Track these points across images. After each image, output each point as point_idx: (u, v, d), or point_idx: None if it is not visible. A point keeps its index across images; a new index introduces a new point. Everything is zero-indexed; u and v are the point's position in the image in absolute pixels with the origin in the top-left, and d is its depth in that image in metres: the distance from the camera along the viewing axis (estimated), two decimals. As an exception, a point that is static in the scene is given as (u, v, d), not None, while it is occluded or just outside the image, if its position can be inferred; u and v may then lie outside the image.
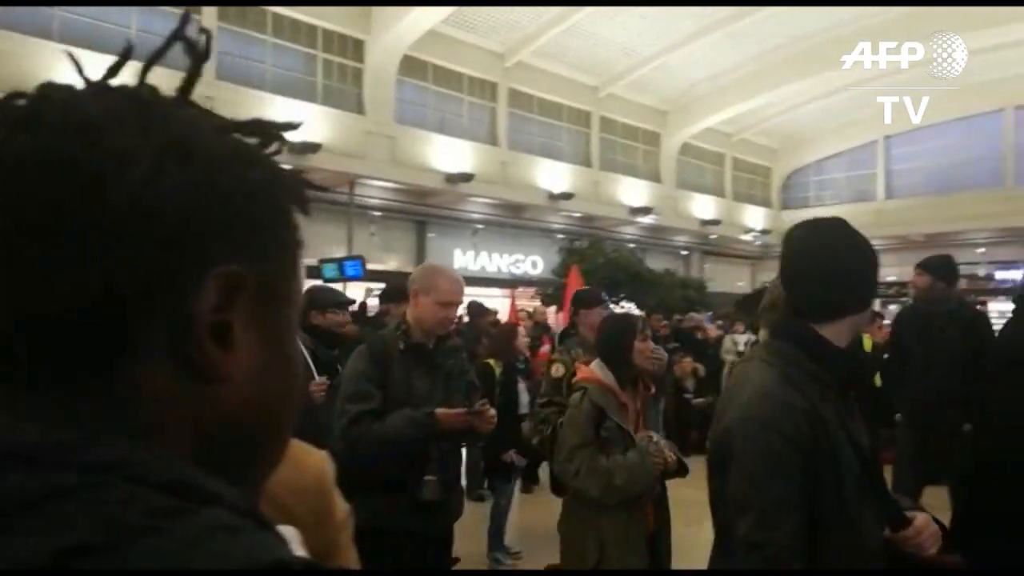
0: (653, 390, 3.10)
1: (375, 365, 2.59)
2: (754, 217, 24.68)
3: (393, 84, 15.68)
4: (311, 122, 13.40)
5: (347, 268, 10.80)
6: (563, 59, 18.32)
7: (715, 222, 22.69)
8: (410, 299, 2.71)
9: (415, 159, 15.65)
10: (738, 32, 17.51)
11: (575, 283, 8.15)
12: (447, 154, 16.15)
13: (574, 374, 3.51)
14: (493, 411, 2.67)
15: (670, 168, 21.97)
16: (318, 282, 7.74)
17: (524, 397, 5.24)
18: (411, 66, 16.18)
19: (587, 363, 3.05)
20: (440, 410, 2.54)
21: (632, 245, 20.22)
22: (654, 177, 21.55)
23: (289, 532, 1.95)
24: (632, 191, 20.45)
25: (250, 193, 0.46)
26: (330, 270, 10.84)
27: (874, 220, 23.02)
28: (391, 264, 16.44)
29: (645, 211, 20.29)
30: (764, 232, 24.56)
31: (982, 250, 21.86)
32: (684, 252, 23.64)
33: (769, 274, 26.40)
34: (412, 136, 15.80)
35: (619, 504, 2.77)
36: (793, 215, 25.29)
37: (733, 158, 24.40)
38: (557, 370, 3.69)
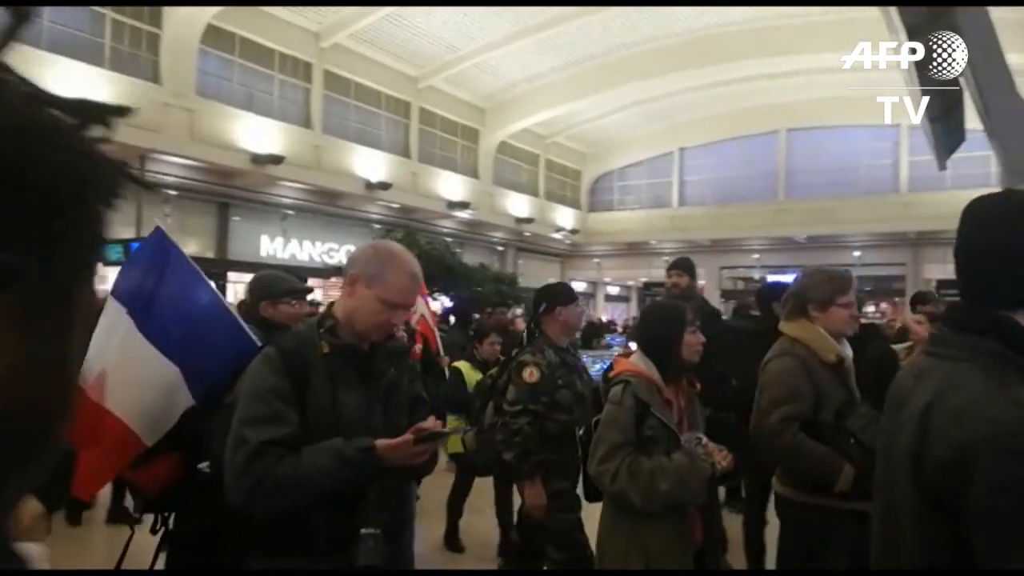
0: (698, 386, 2.80)
1: (288, 376, 1.83)
2: (564, 217, 25.84)
3: (195, 54, 14.46)
4: (94, 87, 12.01)
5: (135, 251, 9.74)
6: (383, 46, 17.96)
7: (529, 220, 23.47)
8: (344, 285, 1.97)
9: (218, 136, 14.56)
10: (551, 39, 18.22)
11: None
12: (255, 133, 15.20)
13: (544, 377, 3.25)
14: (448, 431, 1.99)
15: (487, 165, 22.37)
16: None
17: None
18: (216, 36, 15.02)
19: (625, 356, 2.73)
20: (382, 442, 1.80)
21: (450, 239, 20.34)
22: (472, 173, 21.82)
23: (35, 550, 1.64)
24: (450, 185, 20.56)
25: (43, 176, 0.42)
26: (115, 252, 9.75)
27: (669, 225, 25.10)
28: (189, 248, 15.11)
29: (463, 205, 20.49)
30: (573, 232, 25.82)
31: (757, 256, 24.55)
32: (500, 248, 24.20)
33: (576, 271, 28.02)
34: (215, 111, 14.68)
35: (665, 514, 2.46)
36: (599, 217, 26.91)
37: (547, 159, 25.36)
38: (532, 375, 3.25)
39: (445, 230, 21.02)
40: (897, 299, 21.20)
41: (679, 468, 2.41)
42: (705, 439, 2.57)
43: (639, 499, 2.39)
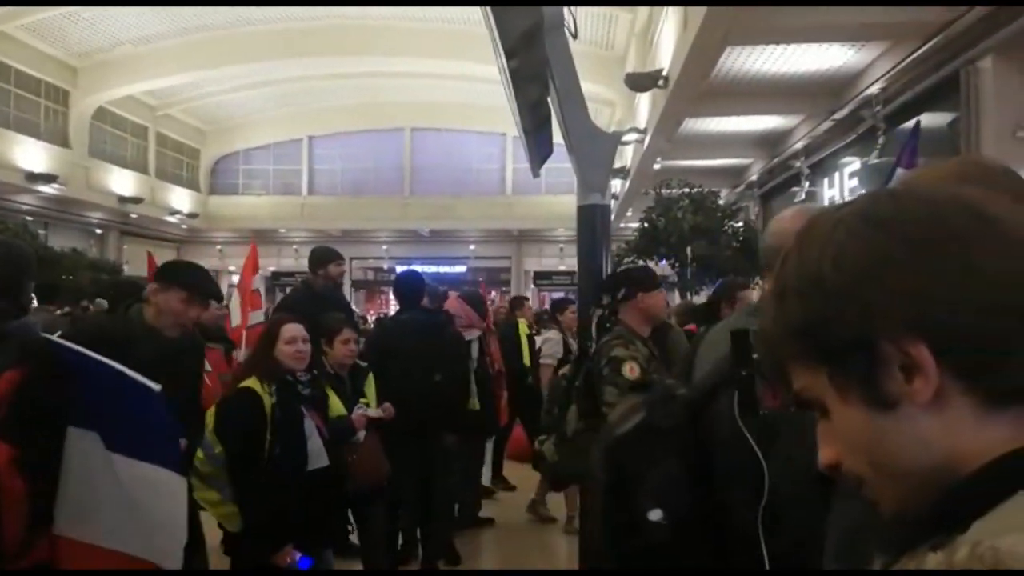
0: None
1: None
2: (181, 199, 23.53)
3: None
4: None
5: None
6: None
7: (137, 200, 20.77)
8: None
9: None
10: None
11: (252, 263, 6.97)
12: None
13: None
14: None
15: (82, 133, 19.20)
16: None
17: None
18: None
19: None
20: None
21: (30, 218, 17.03)
22: (61, 141, 18.52)
23: None
24: (31, 153, 17.12)
25: None
26: None
27: (299, 213, 24.59)
28: None
29: (48, 178, 17.23)
30: (191, 215, 23.69)
31: (385, 247, 25.45)
32: (99, 231, 21.03)
33: (196, 259, 25.72)
34: None
35: None
36: (221, 201, 25.16)
37: (158, 133, 22.76)
38: (632, 371, 2.82)
39: (24, 207, 17.50)
40: (504, 288, 23.89)
41: None
42: None
43: None
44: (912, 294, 0.53)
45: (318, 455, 2.94)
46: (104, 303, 10.97)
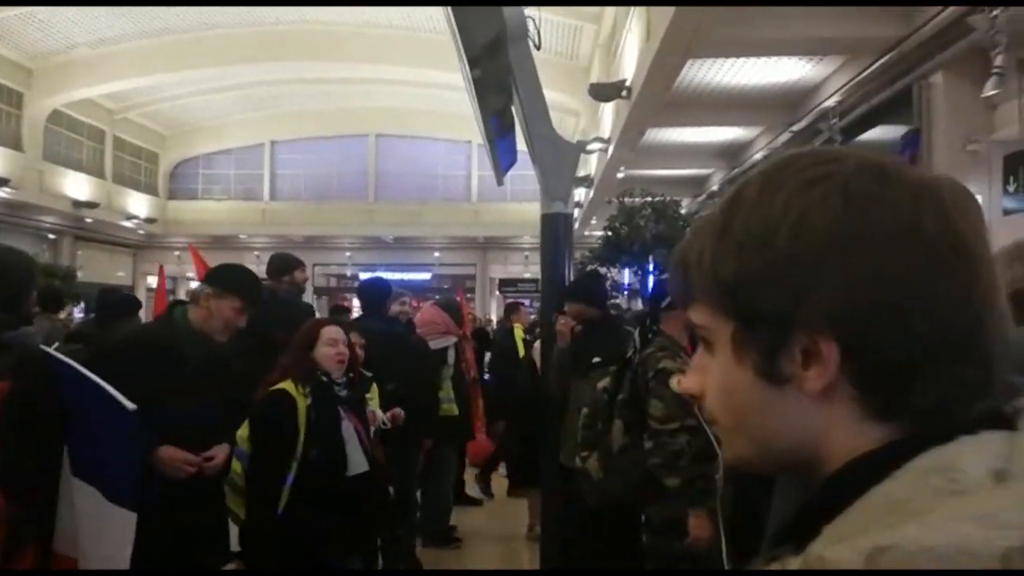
0: None
1: None
2: (138, 203, 23.04)
3: None
4: None
5: None
6: None
7: (92, 204, 20.28)
8: None
9: None
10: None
11: (200, 265, 6.81)
12: None
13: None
14: None
15: (36, 136, 18.70)
16: None
17: None
18: None
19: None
20: None
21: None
22: (14, 144, 18.01)
23: None
24: (-19, 157, 16.65)
25: None
26: None
27: (260, 219, 24.26)
28: None
29: (0, 182, 16.76)
30: (149, 220, 23.21)
31: (349, 254, 25.22)
32: (52, 236, 20.47)
33: (153, 265, 25.18)
34: None
35: None
36: (181, 205, 24.70)
37: (116, 137, 22.27)
38: (680, 383, 2.55)
39: (-26, 211, 16.99)
40: (469, 295, 23.80)
41: None
42: None
43: None
44: (854, 292, 0.50)
45: (358, 460, 2.81)
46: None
